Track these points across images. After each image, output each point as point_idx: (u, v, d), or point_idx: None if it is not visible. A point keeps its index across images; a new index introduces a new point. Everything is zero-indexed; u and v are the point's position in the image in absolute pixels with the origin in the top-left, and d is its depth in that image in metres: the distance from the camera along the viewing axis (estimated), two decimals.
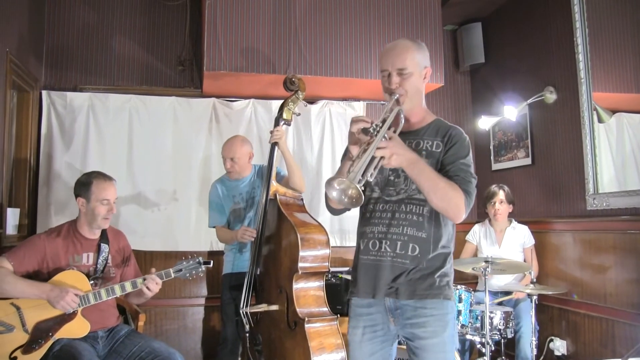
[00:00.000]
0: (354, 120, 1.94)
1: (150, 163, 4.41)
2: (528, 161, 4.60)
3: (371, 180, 1.87)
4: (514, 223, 4.33)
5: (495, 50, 5.09)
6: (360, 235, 2.19)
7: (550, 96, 4.28)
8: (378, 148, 1.84)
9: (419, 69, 2.11)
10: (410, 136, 2.14)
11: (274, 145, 3.44)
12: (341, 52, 4.24)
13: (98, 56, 4.50)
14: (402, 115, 2.05)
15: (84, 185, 2.96)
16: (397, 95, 2.07)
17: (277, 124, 3.49)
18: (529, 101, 4.40)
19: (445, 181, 1.96)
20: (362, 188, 1.80)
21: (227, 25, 4.03)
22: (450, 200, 1.94)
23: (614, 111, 3.79)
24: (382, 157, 1.86)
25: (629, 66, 3.67)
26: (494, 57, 5.10)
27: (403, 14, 4.37)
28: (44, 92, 4.22)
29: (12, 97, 3.86)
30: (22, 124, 4.04)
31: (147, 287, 2.85)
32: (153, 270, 2.93)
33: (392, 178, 2.12)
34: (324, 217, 4.23)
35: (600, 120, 3.82)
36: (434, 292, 2.04)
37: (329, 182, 1.82)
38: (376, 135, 1.86)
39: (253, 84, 4.38)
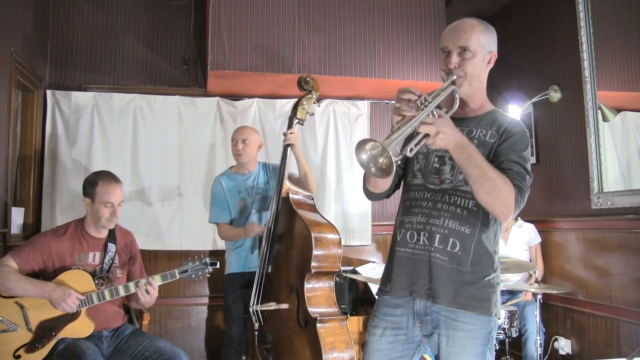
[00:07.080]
0: (401, 91, 1.70)
1: (155, 162, 4.40)
2: (532, 160, 4.59)
3: (409, 155, 1.67)
4: (520, 221, 4.32)
5: (499, 49, 5.03)
6: (399, 225, 1.97)
7: (555, 95, 4.26)
8: (423, 123, 1.63)
9: (482, 52, 1.92)
10: (463, 123, 1.91)
11: (287, 146, 3.44)
12: (345, 51, 4.23)
13: (102, 55, 4.51)
14: (456, 96, 1.83)
15: (90, 185, 2.93)
16: (455, 77, 1.85)
17: (290, 123, 3.48)
18: (534, 100, 4.38)
19: (496, 172, 1.72)
20: (397, 161, 1.61)
21: (231, 25, 4.03)
22: (499, 194, 1.70)
23: (618, 110, 3.78)
24: (426, 135, 1.65)
25: (633, 65, 3.65)
26: (498, 56, 5.05)
27: (407, 13, 4.36)
28: (48, 92, 4.23)
29: (17, 97, 3.87)
30: (27, 124, 4.06)
31: (142, 292, 2.80)
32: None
33: (437, 165, 1.91)
34: (327, 216, 4.21)
35: (605, 119, 3.80)
36: (474, 305, 1.82)
37: (361, 144, 1.58)
38: (423, 108, 1.66)
39: (257, 84, 4.38)
